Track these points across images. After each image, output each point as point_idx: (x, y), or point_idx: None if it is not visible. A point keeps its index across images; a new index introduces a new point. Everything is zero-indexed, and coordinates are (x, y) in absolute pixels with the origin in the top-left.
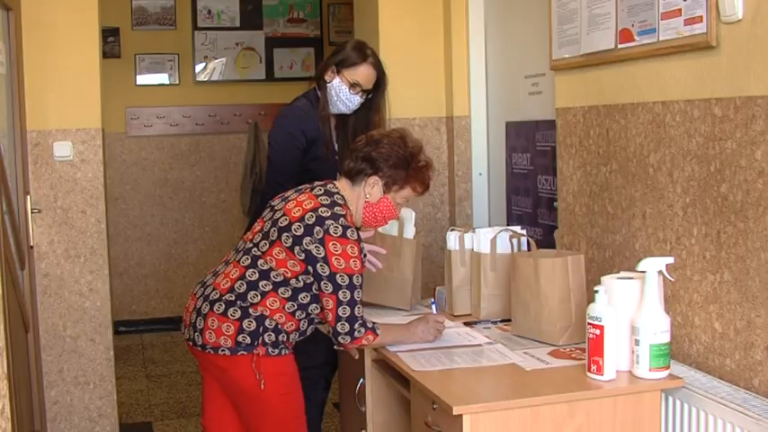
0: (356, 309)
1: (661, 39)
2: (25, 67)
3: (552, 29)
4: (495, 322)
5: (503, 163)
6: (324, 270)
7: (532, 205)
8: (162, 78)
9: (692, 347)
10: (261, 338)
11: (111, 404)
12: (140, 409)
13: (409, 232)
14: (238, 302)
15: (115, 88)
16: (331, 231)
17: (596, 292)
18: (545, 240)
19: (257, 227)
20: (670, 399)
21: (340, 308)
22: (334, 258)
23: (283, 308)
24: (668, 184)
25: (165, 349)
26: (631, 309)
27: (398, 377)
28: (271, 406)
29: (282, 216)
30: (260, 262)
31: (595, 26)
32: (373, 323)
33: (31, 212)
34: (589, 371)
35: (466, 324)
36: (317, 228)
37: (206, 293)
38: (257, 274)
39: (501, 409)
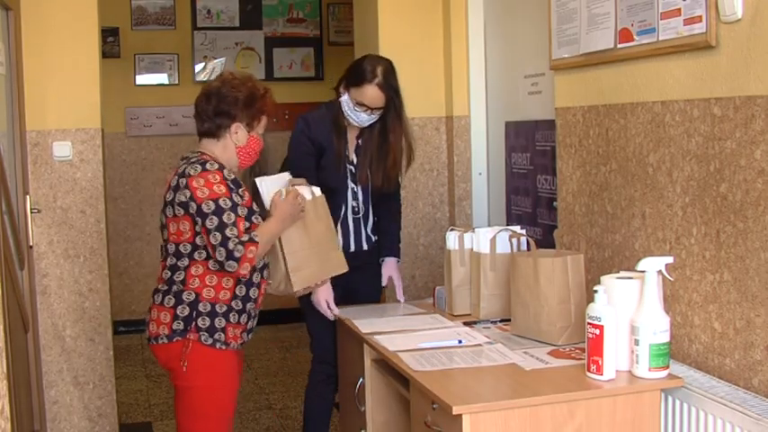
0: (227, 230)
1: (660, 38)
2: (25, 67)
3: (552, 29)
4: (494, 322)
5: (502, 163)
6: (194, 208)
7: (532, 205)
8: (161, 78)
9: (691, 347)
10: (194, 323)
11: (111, 404)
12: (140, 409)
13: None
14: (173, 288)
15: (115, 88)
16: (191, 173)
17: (596, 291)
18: (545, 240)
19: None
20: (669, 398)
21: (211, 236)
22: (198, 191)
23: (208, 272)
24: (668, 184)
25: None
26: (631, 308)
27: (398, 377)
28: (192, 395)
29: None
30: (168, 248)
31: (595, 26)
32: (250, 234)
33: (31, 212)
34: (589, 371)
35: (466, 324)
36: (180, 180)
37: (152, 290)
38: (173, 258)
39: (501, 408)
